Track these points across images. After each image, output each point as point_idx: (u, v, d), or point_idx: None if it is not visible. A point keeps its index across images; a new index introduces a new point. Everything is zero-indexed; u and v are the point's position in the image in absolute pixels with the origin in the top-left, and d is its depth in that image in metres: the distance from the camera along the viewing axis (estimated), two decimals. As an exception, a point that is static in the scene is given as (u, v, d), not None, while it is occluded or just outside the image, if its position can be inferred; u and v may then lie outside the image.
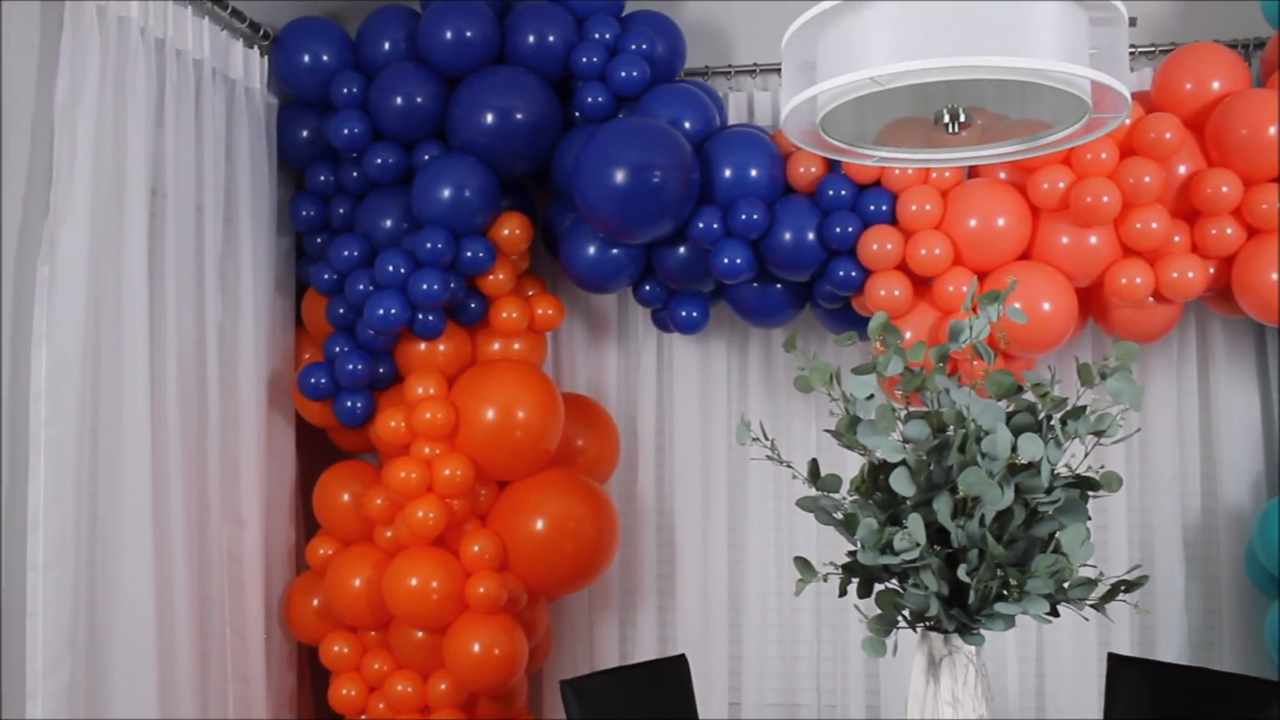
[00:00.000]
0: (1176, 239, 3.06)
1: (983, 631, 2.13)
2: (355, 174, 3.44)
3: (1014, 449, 1.99)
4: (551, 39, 3.33)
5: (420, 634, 3.29)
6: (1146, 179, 2.95)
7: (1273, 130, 2.92)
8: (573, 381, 3.76)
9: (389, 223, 3.36)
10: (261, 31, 3.38)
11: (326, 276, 3.41)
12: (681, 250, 3.29)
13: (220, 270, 3.19)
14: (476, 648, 3.18)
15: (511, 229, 3.36)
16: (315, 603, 3.41)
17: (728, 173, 3.18)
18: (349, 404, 3.36)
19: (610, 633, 3.74)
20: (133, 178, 2.79)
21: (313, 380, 3.36)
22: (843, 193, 3.15)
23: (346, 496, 3.39)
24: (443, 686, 3.28)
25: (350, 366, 3.32)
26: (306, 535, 3.60)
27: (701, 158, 3.21)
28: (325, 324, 3.45)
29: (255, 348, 3.31)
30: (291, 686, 3.50)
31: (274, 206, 3.45)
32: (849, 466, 3.16)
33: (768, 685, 3.65)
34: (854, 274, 3.16)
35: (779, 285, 3.33)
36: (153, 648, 2.75)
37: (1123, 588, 2.11)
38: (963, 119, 2.06)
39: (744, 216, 3.14)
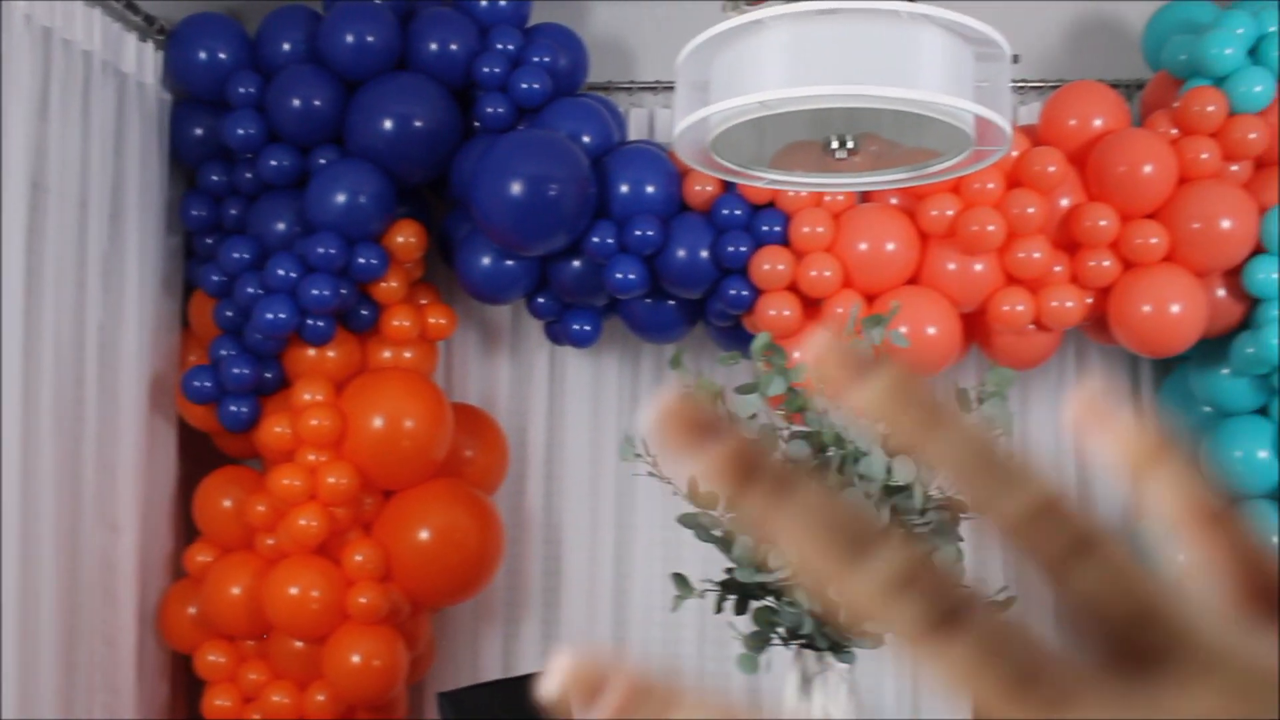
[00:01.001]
0: (1057, 269, 3.16)
1: (855, 649, 2.16)
2: (249, 175, 3.38)
3: (889, 471, 2.03)
4: (454, 47, 3.31)
5: (299, 644, 3.23)
6: (1030, 210, 3.04)
7: (1149, 168, 3.03)
8: (464, 392, 3.73)
9: (281, 226, 3.31)
10: (156, 25, 3.31)
11: (215, 278, 3.34)
12: (576, 264, 3.29)
13: (104, 268, 3.11)
14: (356, 659, 3.13)
15: (406, 237, 3.33)
16: (192, 611, 3.33)
17: (624, 188, 3.20)
18: (233, 409, 3.30)
19: (494, 644, 3.71)
20: (12, 170, 2.70)
21: (197, 383, 3.28)
22: (737, 212, 3.19)
23: (228, 503, 3.32)
24: (320, 698, 3.23)
25: (236, 371, 3.25)
26: (186, 542, 3.51)
27: (599, 172, 3.22)
28: (212, 326, 3.37)
29: (138, 348, 3.23)
30: (164, 697, 3.41)
31: (164, 204, 3.37)
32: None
33: (651, 700, 3.65)
34: (745, 293, 3.20)
35: (672, 302, 3.36)
36: (14, 656, 2.66)
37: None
38: (851, 145, 2.10)
39: (639, 232, 3.16)
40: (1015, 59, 2.11)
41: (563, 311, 3.44)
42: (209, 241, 3.45)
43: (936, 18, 1.89)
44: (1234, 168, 3.13)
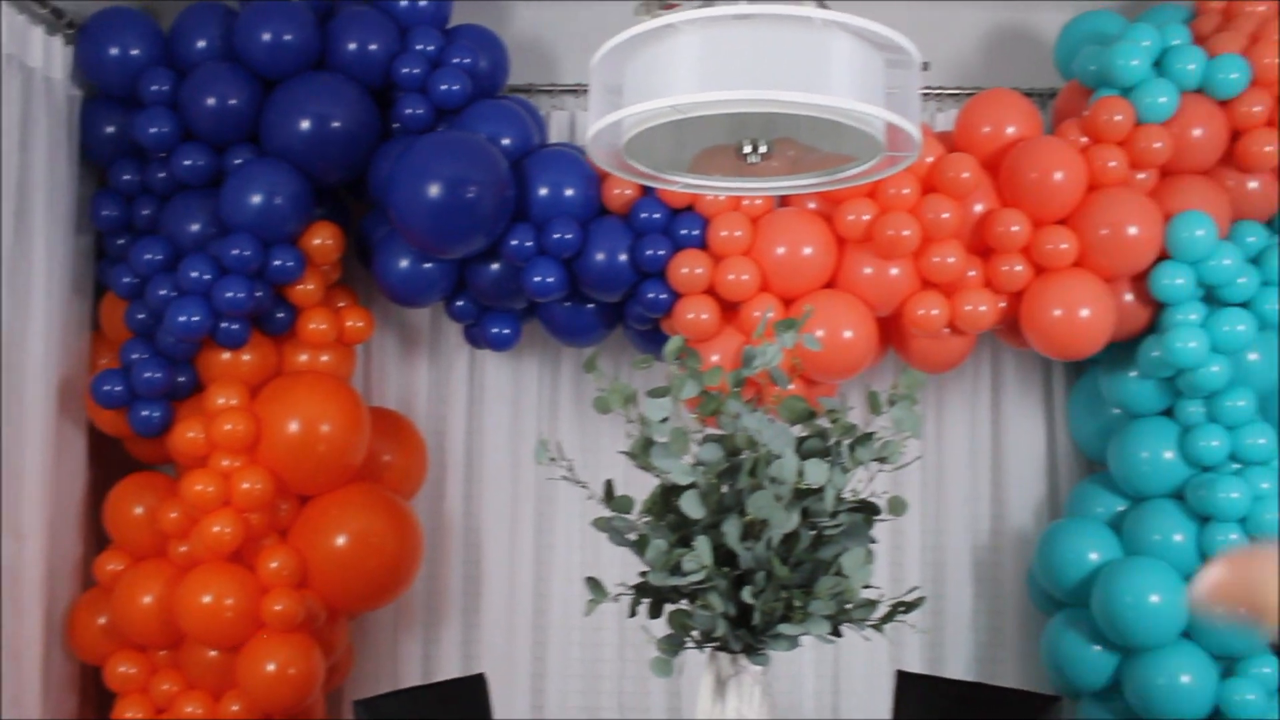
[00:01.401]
0: (971, 274, 3.21)
1: (769, 651, 2.18)
2: (162, 174, 3.31)
3: (801, 474, 2.04)
4: (373, 47, 3.28)
5: (213, 653, 3.18)
6: (945, 215, 3.09)
7: (1059, 175, 3.09)
8: (382, 396, 3.70)
9: (195, 227, 3.24)
10: (66, 19, 3.23)
11: (127, 280, 3.27)
12: (495, 267, 3.28)
13: (10, 269, 3.03)
14: (271, 667, 3.09)
15: (323, 239, 3.29)
16: (102, 621, 3.25)
17: (543, 191, 3.19)
18: (145, 413, 3.23)
19: (414, 650, 3.68)
20: (-90, 167, 2.62)
21: (107, 387, 3.21)
22: (655, 216, 3.20)
23: (140, 509, 3.25)
24: (235, 708, 3.17)
25: (148, 374, 3.19)
26: (96, 549, 3.43)
27: (518, 175, 3.20)
28: (123, 329, 3.30)
29: (46, 351, 3.15)
30: (71, 710, 3.33)
31: (73, 204, 3.30)
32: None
33: (570, 703, 3.65)
34: (663, 296, 3.21)
35: (591, 305, 3.35)
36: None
37: (902, 609, 2.19)
38: (764, 150, 2.11)
39: (557, 235, 3.15)
40: (925, 66, 2.13)
41: (481, 314, 3.42)
42: (120, 242, 3.38)
43: (848, 25, 1.90)
44: (1141, 176, 3.20)
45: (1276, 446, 3.20)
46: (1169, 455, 3.26)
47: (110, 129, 3.36)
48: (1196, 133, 3.15)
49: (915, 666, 3.59)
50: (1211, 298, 3.22)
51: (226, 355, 3.25)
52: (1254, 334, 3.15)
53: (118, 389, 3.21)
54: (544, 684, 3.65)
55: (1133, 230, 3.11)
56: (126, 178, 3.36)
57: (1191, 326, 3.14)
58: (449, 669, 3.65)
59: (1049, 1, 3.64)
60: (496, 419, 3.70)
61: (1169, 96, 3.12)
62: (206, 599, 3.07)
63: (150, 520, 3.22)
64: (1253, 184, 3.25)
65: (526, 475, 3.67)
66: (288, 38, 3.21)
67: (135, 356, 3.23)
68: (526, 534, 3.67)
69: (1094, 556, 3.31)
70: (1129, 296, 3.27)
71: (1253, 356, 3.20)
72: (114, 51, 3.27)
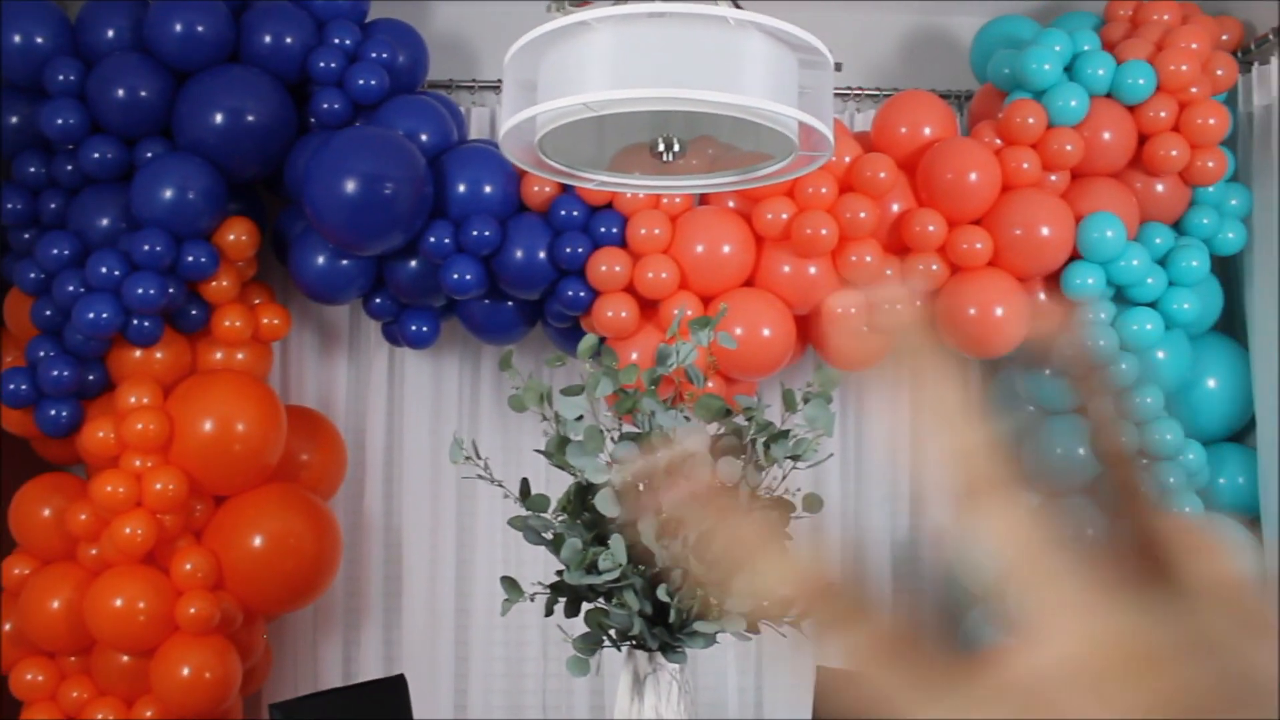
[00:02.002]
0: (888, 272, 3.24)
1: (688, 649, 2.18)
2: (69, 167, 3.23)
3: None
4: (289, 41, 3.23)
5: (125, 658, 3.11)
6: (862, 214, 3.12)
7: (974, 176, 3.14)
8: (300, 394, 3.64)
9: (105, 221, 3.17)
10: (-34, 7, 3.14)
11: (33, 275, 3.19)
12: (413, 264, 3.25)
13: (-93, 263, 2.94)
14: (186, 671, 3.03)
15: (238, 234, 3.23)
16: (8, 627, 3.17)
17: (461, 188, 3.17)
18: (53, 413, 3.15)
19: (334, 652, 3.64)
20: None
21: (13, 386, 3.12)
22: (574, 213, 3.19)
23: (47, 512, 3.17)
24: (149, 713, 3.11)
25: (55, 372, 3.11)
26: (2, 554, 3.33)
27: (436, 171, 3.18)
28: (30, 326, 3.21)
29: (-53, 349, 3.06)
30: (-24, 717, 3.24)
31: (-25, 197, 3.21)
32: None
33: (494, 702, 3.63)
34: (583, 294, 3.20)
35: (510, 302, 3.34)
36: None
37: (818, 604, 2.21)
38: (677, 149, 2.11)
39: (475, 233, 3.13)
40: (838, 67, 2.15)
41: (400, 312, 3.38)
42: (25, 236, 3.29)
43: (762, 25, 1.91)
44: (1053, 177, 3.26)
45: (1183, 441, 3.28)
46: (1082, 451, 3.32)
47: (14, 120, 3.26)
48: (1106, 136, 3.22)
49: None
50: (1121, 297, 3.29)
51: (138, 353, 3.19)
52: (1161, 333, 3.23)
53: (24, 388, 3.12)
54: (467, 684, 3.63)
55: (1045, 231, 3.17)
56: (32, 170, 3.27)
57: (1102, 325, 3.21)
58: (370, 670, 3.61)
59: (965, 4, 3.69)
60: (416, 417, 3.66)
61: (1080, 100, 3.18)
62: (118, 603, 3.00)
63: (59, 522, 3.14)
64: (1159, 187, 3.33)
65: (447, 474, 3.64)
66: (200, 29, 3.15)
67: (42, 354, 3.14)
68: (448, 533, 3.64)
69: (1009, 551, 3.36)
70: (1042, 296, 3.33)
71: (1160, 354, 3.27)
72: (17, 39, 3.18)
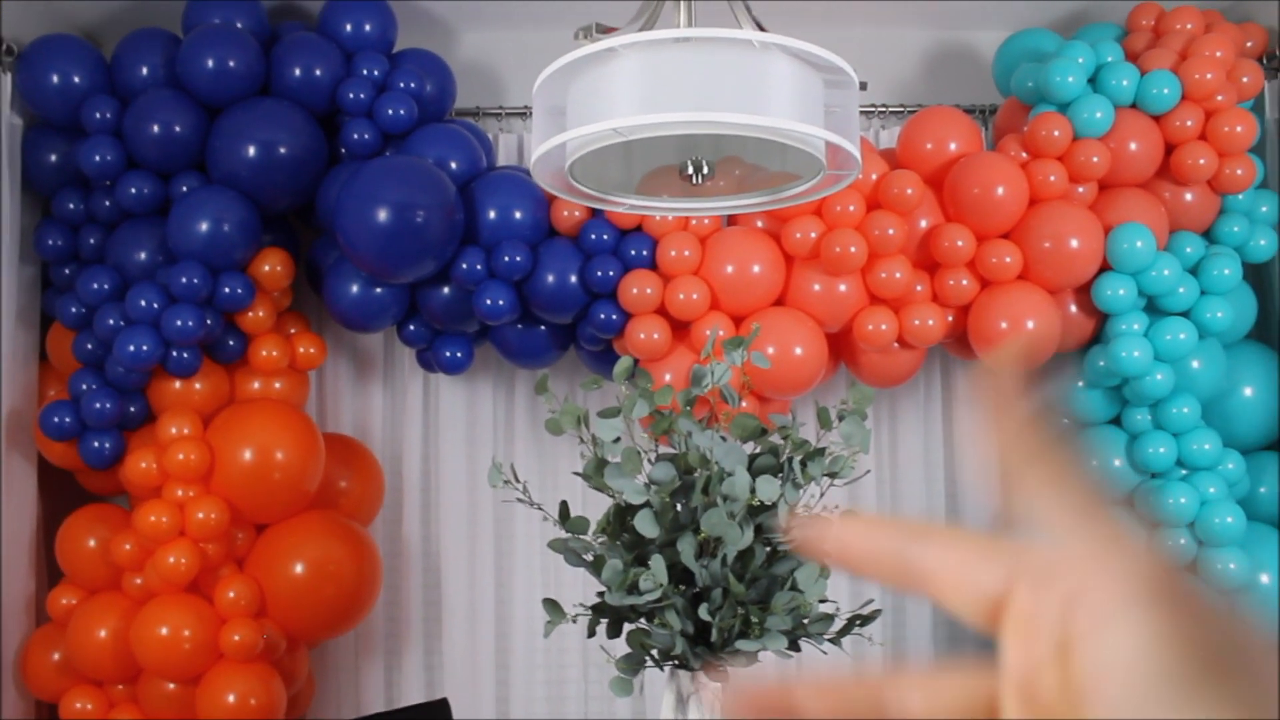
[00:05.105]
0: (919, 288, 3.25)
1: (729, 668, 2.19)
2: (107, 203, 3.29)
3: (753, 490, 2.06)
4: (318, 73, 3.28)
5: (171, 686, 3.14)
6: (890, 231, 3.13)
7: (1001, 190, 3.15)
8: (337, 422, 3.68)
9: (143, 255, 3.23)
10: (4, 46, 3.20)
11: (74, 309, 3.24)
12: (445, 290, 3.28)
13: (-47, 301, 3.00)
14: (231, 698, 3.05)
15: (272, 265, 3.28)
16: (56, 657, 3.21)
17: (492, 214, 3.20)
18: (96, 444, 3.20)
19: (376, 677, 3.66)
20: None
21: (56, 419, 3.18)
22: (604, 237, 3.21)
23: (93, 542, 3.21)
24: (194, 740, 3.14)
25: (97, 405, 3.16)
26: (49, 584, 3.38)
27: (466, 198, 3.21)
28: (71, 359, 3.27)
29: (-9, 384, 3.12)
30: (26, 747, 3.28)
31: (17, 234, 3.27)
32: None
33: (535, 725, 3.64)
34: (614, 317, 3.22)
35: (543, 327, 3.36)
36: None
37: (859, 622, 2.21)
38: (706, 171, 2.13)
39: (507, 258, 3.16)
40: (863, 86, 2.17)
41: (434, 338, 3.41)
42: (66, 272, 3.35)
43: (787, 47, 1.93)
44: (1080, 189, 3.26)
45: (1221, 451, 3.26)
46: (1118, 463, 3.31)
47: (53, 158, 3.34)
48: (1133, 146, 3.22)
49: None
50: (1153, 307, 3.28)
51: (178, 384, 3.23)
52: (1195, 342, 3.22)
53: (67, 420, 3.17)
54: (508, 707, 3.64)
55: (1074, 242, 3.17)
56: (71, 207, 3.33)
57: (1135, 336, 3.20)
58: (412, 695, 3.63)
59: (987, 19, 3.70)
60: (452, 442, 3.69)
61: (1105, 112, 3.18)
62: (163, 631, 3.04)
63: (103, 553, 3.19)
64: (1188, 196, 3.32)
65: (484, 498, 3.66)
66: (231, 64, 3.21)
67: (84, 387, 3.19)
68: (486, 557, 3.66)
69: (1047, 564, 3.34)
70: (1073, 308, 3.32)
71: (1195, 364, 3.26)
72: (55, 79, 3.25)
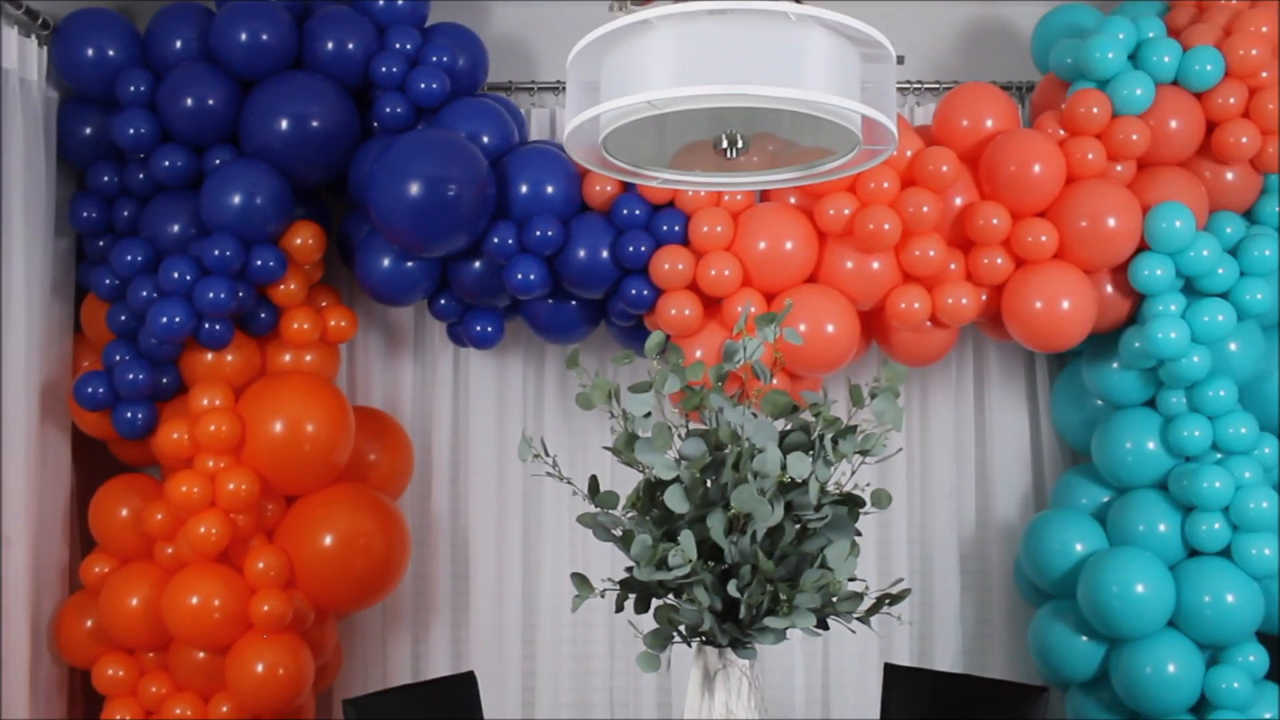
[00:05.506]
0: (952, 266, 3.22)
1: (757, 645, 2.18)
2: (141, 175, 3.31)
3: (784, 467, 2.05)
4: (351, 46, 3.27)
5: (201, 654, 3.17)
6: (925, 209, 3.09)
7: (1038, 168, 3.11)
8: (367, 395, 3.70)
9: (176, 228, 3.24)
10: (40, 20, 3.21)
11: (108, 281, 3.27)
12: (476, 265, 3.28)
13: (-12, 271, 3.02)
14: (260, 668, 3.09)
15: (304, 238, 3.29)
16: (89, 624, 3.25)
17: (524, 188, 3.19)
18: (129, 415, 3.22)
19: (403, 649, 3.68)
20: (-113, 170, 2.61)
21: (90, 390, 3.20)
22: (636, 212, 3.20)
23: (125, 512, 3.25)
24: (225, 709, 3.17)
25: (131, 376, 3.18)
26: (82, 552, 3.42)
27: (498, 173, 3.20)
28: (105, 331, 3.29)
29: (27, 354, 3.14)
30: (60, 714, 3.32)
31: (52, 206, 3.29)
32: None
33: (561, 700, 3.65)
34: (646, 293, 3.21)
35: (574, 302, 3.36)
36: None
37: (887, 601, 2.20)
38: (740, 145, 2.11)
39: (539, 233, 3.16)
40: (900, 60, 2.14)
41: (464, 313, 3.41)
42: (100, 244, 3.37)
43: (823, 20, 1.90)
44: (1119, 168, 3.22)
45: (1257, 435, 3.22)
46: (1152, 445, 3.28)
47: (88, 130, 3.35)
48: (1173, 124, 3.17)
49: (904, 659, 3.61)
50: (1191, 288, 3.24)
51: (210, 356, 3.25)
52: (1233, 324, 3.17)
53: (100, 391, 3.20)
54: (534, 681, 3.66)
55: (1112, 222, 3.12)
56: (105, 179, 3.35)
57: (1172, 317, 3.16)
58: (438, 667, 3.65)
59: (1027, -6, 3.66)
60: (482, 417, 3.70)
61: (1145, 89, 3.13)
62: (194, 600, 3.07)
63: (136, 522, 3.22)
64: (1229, 175, 3.27)
65: (513, 472, 3.67)
66: (265, 37, 3.21)
67: (118, 358, 3.22)
68: (514, 531, 3.67)
69: (1079, 547, 3.33)
70: (1109, 288, 3.28)
71: (1232, 346, 3.21)
72: (90, 53, 3.26)
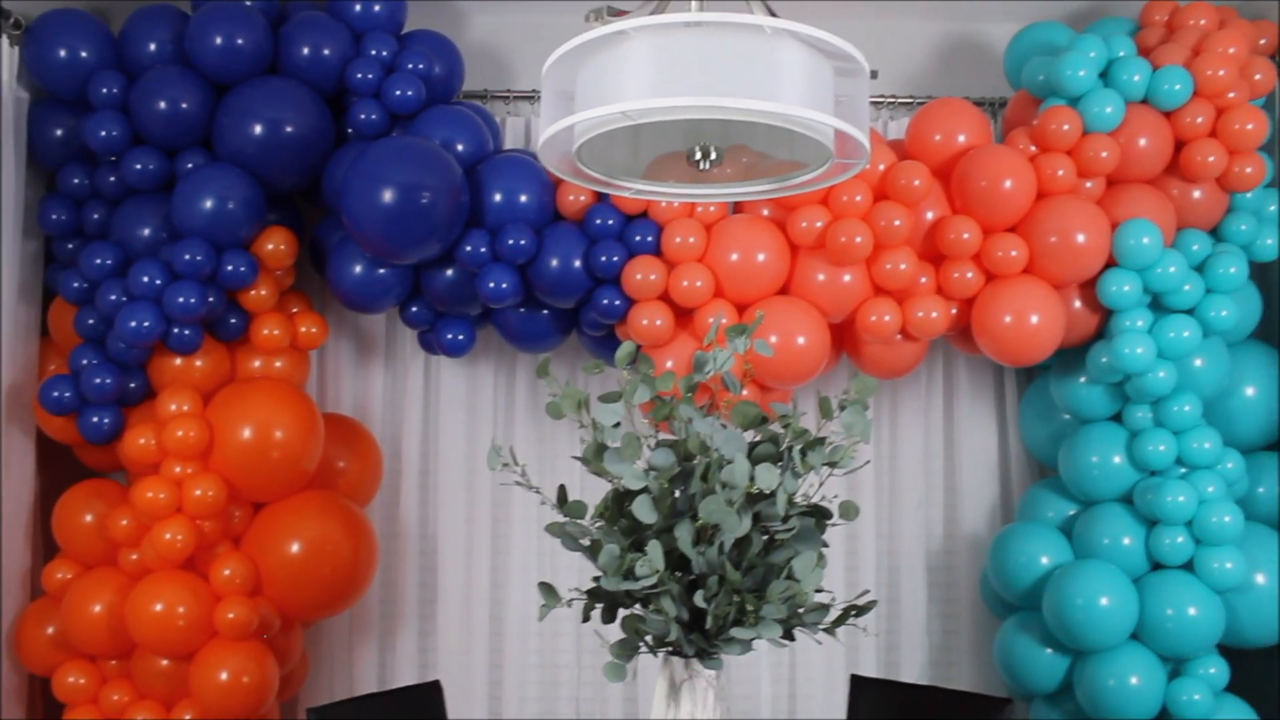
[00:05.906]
0: (923, 280, 3.24)
1: (723, 655, 2.18)
2: (112, 178, 3.28)
3: (752, 478, 2.05)
4: (327, 52, 3.26)
5: (165, 662, 3.15)
6: (896, 222, 3.12)
7: (1009, 183, 3.13)
8: (337, 402, 3.68)
9: (146, 231, 3.22)
10: (12, 20, 3.19)
11: (76, 285, 3.24)
12: (449, 272, 3.27)
13: (-45, 273, 2.99)
14: (224, 676, 3.06)
15: (276, 244, 3.27)
16: (50, 631, 3.21)
17: (498, 197, 3.19)
18: (95, 420, 3.19)
19: (370, 658, 3.66)
20: None
21: (56, 394, 3.17)
22: (610, 222, 3.21)
23: (89, 517, 3.22)
24: (188, 717, 3.14)
25: (98, 380, 3.15)
26: (45, 558, 3.38)
27: (472, 181, 3.20)
28: (73, 335, 3.27)
29: (-8, 357, 3.11)
30: (19, 720, 3.28)
31: (20, 207, 3.26)
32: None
33: (527, 709, 3.64)
34: (618, 303, 3.22)
35: (546, 311, 3.36)
36: None
37: (853, 612, 2.21)
38: (714, 157, 2.12)
39: (512, 241, 3.16)
40: (874, 75, 2.15)
41: (436, 320, 3.41)
42: (69, 247, 3.35)
43: (798, 33, 1.92)
44: (1088, 184, 3.25)
45: (1221, 450, 3.25)
46: (1118, 460, 3.30)
47: (59, 132, 3.33)
48: (1142, 142, 3.21)
49: (871, 670, 3.62)
50: (1158, 304, 3.27)
51: (178, 361, 3.23)
52: (1199, 340, 3.20)
53: (67, 395, 3.17)
54: (501, 690, 3.64)
55: (1081, 238, 3.15)
56: (76, 181, 3.33)
57: (1139, 333, 3.19)
58: (405, 676, 3.63)
59: (999, 11, 3.68)
60: (452, 425, 3.69)
61: (1115, 106, 3.17)
62: (158, 607, 3.04)
63: (100, 528, 3.19)
64: (1196, 193, 3.30)
65: (482, 481, 3.66)
66: (240, 41, 3.20)
67: (85, 362, 3.19)
68: (483, 540, 3.66)
69: (1045, 560, 3.35)
70: (1078, 303, 3.31)
71: (1198, 362, 3.25)
72: (62, 54, 3.24)
